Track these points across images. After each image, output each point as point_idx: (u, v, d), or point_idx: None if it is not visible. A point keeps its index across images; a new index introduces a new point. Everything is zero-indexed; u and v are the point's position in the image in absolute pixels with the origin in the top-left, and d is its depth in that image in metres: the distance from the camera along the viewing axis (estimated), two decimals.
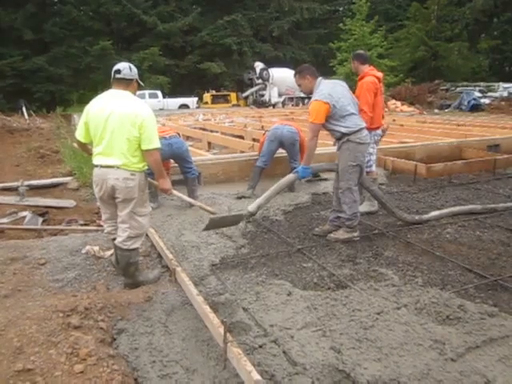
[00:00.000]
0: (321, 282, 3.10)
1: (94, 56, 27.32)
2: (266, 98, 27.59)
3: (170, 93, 29.10)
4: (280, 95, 27.70)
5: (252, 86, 28.64)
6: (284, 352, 2.27)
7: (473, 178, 6.48)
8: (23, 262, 3.42)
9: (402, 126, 11.52)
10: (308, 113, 3.97)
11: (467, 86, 26.13)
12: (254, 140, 9.08)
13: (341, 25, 27.37)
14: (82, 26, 28.76)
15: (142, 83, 3.11)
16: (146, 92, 25.23)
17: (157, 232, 3.97)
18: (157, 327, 2.53)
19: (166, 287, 3.02)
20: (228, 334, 2.11)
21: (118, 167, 2.84)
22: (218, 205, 4.97)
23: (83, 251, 3.66)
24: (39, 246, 3.78)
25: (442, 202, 5.18)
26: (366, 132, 3.93)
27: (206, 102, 29.13)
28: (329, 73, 25.23)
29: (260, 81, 27.81)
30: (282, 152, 5.80)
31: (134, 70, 3.00)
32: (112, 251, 3.35)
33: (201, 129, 12.32)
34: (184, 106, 27.22)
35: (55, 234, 4.28)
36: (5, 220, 4.61)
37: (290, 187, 5.35)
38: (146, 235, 3.66)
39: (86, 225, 4.58)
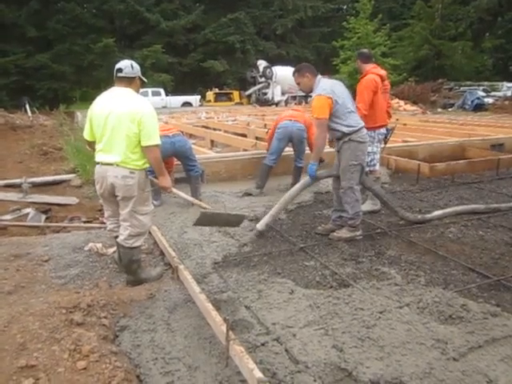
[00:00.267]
0: (323, 281, 3.10)
1: (97, 53, 27.36)
2: (269, 96, 27.55)
3: (172, 91, 29.09)
4: (283, 93, 27.64)
5: (255, 85, 28.59)
6: (286, 350, 2.27)
7: (476, 177, 6.46)
8: (26, 259, 3.44)
9: (405, 125, 11.48)
10: (311, 109, 3.90)
11: (471, 86, 26.02)
12: (256, 138, 9.07)
13: (344, 23, 27.25)
14: (85, 24, 28.80)
15: (144, 79, 3.10)
16: (149, 90, 25.22)
17: (159, 229, 3.97)
18: (159, 324, 2.53)
19: (168, 285, 3.02)
20: (230, 332, 2.11)
21: (117, 165, 2.84)
22: (220, 203, 4.97)
23: (86, 248, 3.67)
24: (42, 243, 3.79)
25: (445, 202, 5.16)
26: (365, 131, 3.92)
27: (209, 100, 29.10)
28: (332, 71, 25.16)
29: (263, 79, 27.78)
30: (285, 151, 5.78)
31: (136, 67, 2.99)
32: (115, 248, 3.36)
33: (203, 127, 12.31)
34: (187, 104, 27.19)
35: (58, 231, 4.29)
36: (8, 217, 4.62)
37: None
38: (149, 233, 3.66)
39: (88, 222, 4.59)
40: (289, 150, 5.82)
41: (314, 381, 2.05)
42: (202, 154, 6.90)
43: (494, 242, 3.86)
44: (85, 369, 2.03)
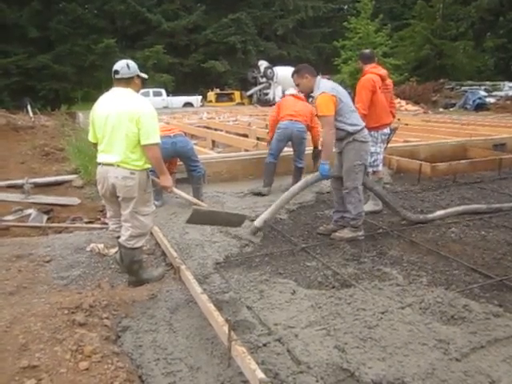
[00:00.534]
0: (325, 281, 3.10)
1: (98, 54, 27.33)
2: (270, 96, 27.50)
3: (173, 91, 29.10)
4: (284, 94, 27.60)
5: (256, 85, 28.55)
6: (288, 351, 2.27)
7: (478, 177, 6.45)
8: (28, 260, 3.44)
9: (406, 125, 11.46)
10: (315, 108, 3.85)
11: (472, 85, 25.95)
12: (257, 139, 9.07)
13: (345, 23, 27.24)
14: (86, 24, 28.79)
15: (144, 75, 3.06)
16: (151, 90, 25.26)
17: (161, 230, 3.97)
18: (161, 325, 2.53)
19: (170, 285, 3.02)
20: (232, 333, 2.11)
21: (117, 165, 2.85)
22: (221, 203, 4.97)
23: (88, 249, 3.67)
24: (44, 244, 3.80)
25: (446, 202, 5.15)
26: (366, 131, 3.91)
27: (210, 101, 29.12)
28: (333, 71, 25.14)
29: (264, 79, 27.73)
30: (284, 151, 5.78)
31: (133, 66, 2.96)
32: (116, 249, 3.36)
33: (205, 127, 12.31)
34: (188, 105, 27.21)
35: (60, 232, 4.30)
36: (10, 217, 4.63)
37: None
38: (151, 233, 3.66)
39: (90, 222, 4.59)
40: (289, 150, 5.82)
41: (316, 381, 2.04)
42: (204, 154, 6.90)
43: (496, 242, 3.85)
44: (87, 369, 2.03)
